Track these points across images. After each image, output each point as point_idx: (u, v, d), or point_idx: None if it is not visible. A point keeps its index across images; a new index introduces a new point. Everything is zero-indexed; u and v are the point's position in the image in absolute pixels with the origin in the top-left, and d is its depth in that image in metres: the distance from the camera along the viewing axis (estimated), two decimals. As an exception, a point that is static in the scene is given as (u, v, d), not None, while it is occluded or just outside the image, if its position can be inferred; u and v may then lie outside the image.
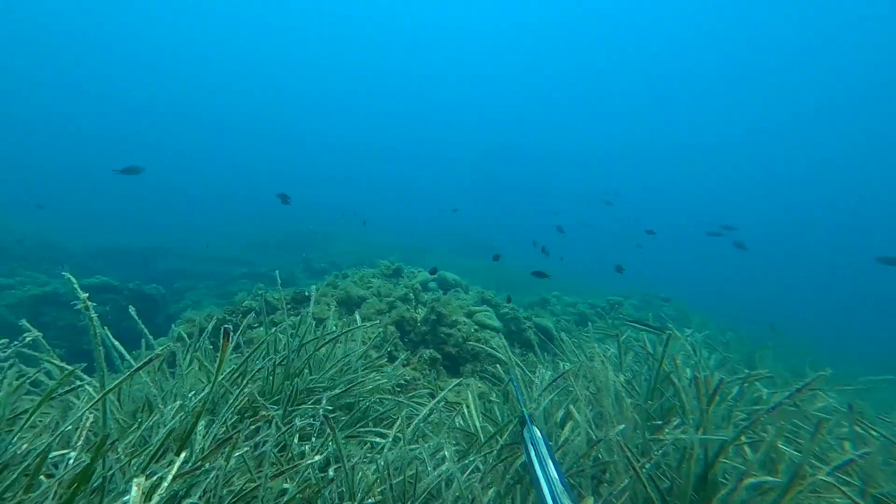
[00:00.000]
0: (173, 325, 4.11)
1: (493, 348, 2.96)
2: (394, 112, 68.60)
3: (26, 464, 1.30)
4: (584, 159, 70.78)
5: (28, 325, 2.26)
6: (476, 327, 4.07)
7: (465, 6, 56.92)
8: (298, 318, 2.41)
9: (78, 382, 1.86)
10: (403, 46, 61.67)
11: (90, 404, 1.37)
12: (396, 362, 2.44)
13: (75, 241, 17.27)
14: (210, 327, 2.44)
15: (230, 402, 1.67)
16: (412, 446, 1.63)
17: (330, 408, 1.82)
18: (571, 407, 1.47)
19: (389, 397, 2.18)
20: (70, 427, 1.65)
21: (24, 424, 1.53)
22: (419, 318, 3.89)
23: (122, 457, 1.60)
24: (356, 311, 3.14)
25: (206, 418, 1.79)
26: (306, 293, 3.99)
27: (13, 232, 15.33)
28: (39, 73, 53.54)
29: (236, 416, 1.85)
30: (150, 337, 2.53)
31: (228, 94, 63.50)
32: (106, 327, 1.86)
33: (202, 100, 62.70)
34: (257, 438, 1.75)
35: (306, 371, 2.27)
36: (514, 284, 11.28)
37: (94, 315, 1.80)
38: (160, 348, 1.50)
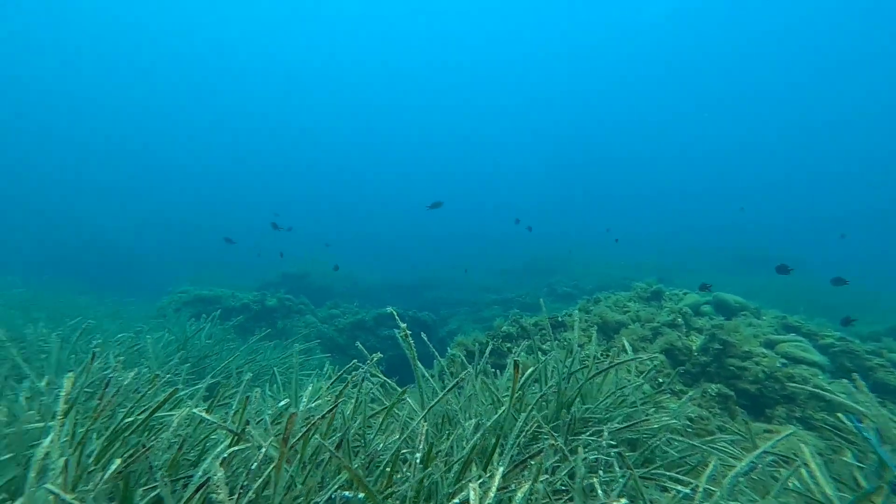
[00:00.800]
0: (448, 348, 4.92)
1: (825, 390, 2.28)
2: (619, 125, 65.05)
3: (385, 458, 1.76)
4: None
5: (361, 347, 3.09)
6: (783, 361, 3.25)
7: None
8: (555, 343, 2.49)
9: (403, 397, 2.40)
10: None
11: (422, 415, 1.76)
12: (684, 399, 2.20)
13: (366, 276, 22.98)
14: (487, 351, 2.77)
15: (518, 426, 1.84)
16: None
17: (613, 442, 1.78)
18: None
19: (681, 439, 1.97)
20: (400, 434, 2.15)
21: (380, 426, 2.08)
22: (695, 347, 3.42)
23: (439, 464, 1.97)
24: (616, 338, 3.01)
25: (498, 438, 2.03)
26: (559, 318, 4.11)
27: (337, 274, 21.45)
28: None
29: (524, 440, 2.01)
30: (441, 359, 3.08)
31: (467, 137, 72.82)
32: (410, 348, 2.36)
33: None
34: (546, 464, 1.87)
35: (578, 400, 2.31)
36: (824, 306, 8.59)
37: (412, 342, 2.32)
38: (464, 372, 1.82)
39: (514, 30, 57.67)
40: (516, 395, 2.02)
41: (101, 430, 1.77)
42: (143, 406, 2.04)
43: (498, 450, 1.86)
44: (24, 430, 1.68)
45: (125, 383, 1.90)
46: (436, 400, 1.73)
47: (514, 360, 1.57)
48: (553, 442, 1.72)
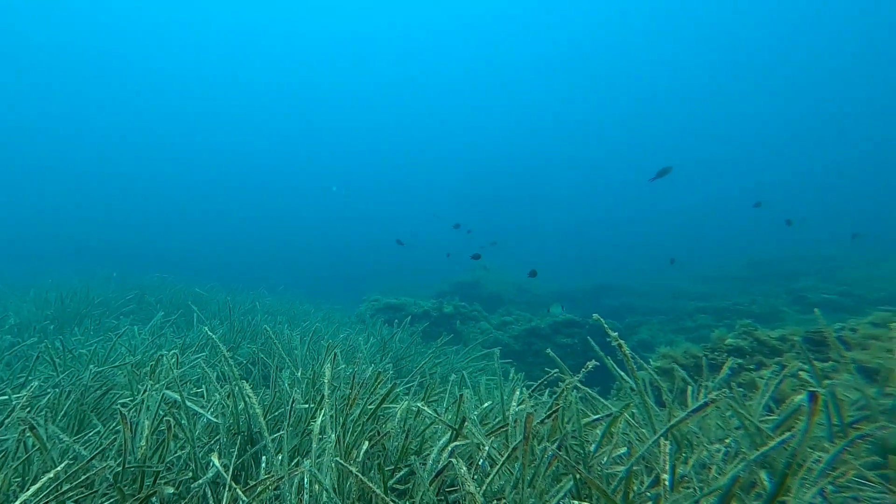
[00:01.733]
0: (650, 360, 4.45)
1: None
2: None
3: (614, 486, 1.62)
4: None
5: (552, 354, 3.01)
6: None
7: None
8: (851, 364, 1.97)
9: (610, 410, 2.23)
10: None
11: (663, 431, 1.58)
12: None
13: (537, 281, 22.69)
14: (727, 366, 2.41)
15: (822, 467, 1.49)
16: None
17: None
18: None
19: None
20: (630, 448, 1.99)
21: (599, 439, 1.96)
22: None
23: (682, 489, 1.74)
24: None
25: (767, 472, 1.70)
26: (835, 333, 3.21)
27: (505, 281, 21.94)
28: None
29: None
30: (649, 370, 2.79)
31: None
32: (627, 351, 2.16)
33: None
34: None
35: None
36: None
37: (628, 352, 2.14)
38: (714, 393, 1.56)
39: None
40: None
41: (348, 415, 2.08)
42: (372, 399, 2.35)
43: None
44: (298, 410, 2.09)
45: (365, 377, 2.20)
46: (681, 417, 1.54)
47: (814, 392, 1.27)
48: None
